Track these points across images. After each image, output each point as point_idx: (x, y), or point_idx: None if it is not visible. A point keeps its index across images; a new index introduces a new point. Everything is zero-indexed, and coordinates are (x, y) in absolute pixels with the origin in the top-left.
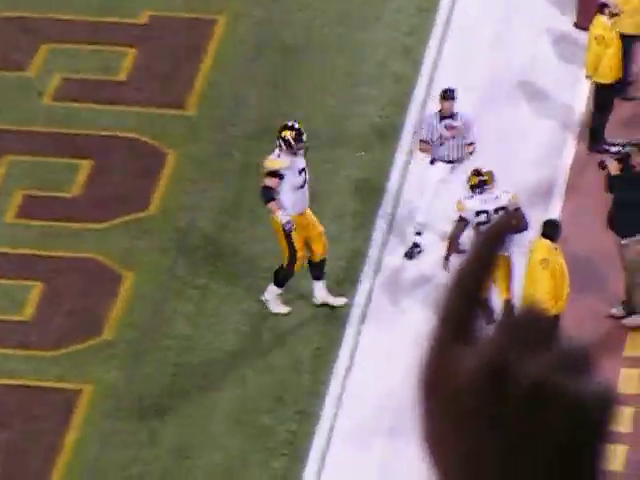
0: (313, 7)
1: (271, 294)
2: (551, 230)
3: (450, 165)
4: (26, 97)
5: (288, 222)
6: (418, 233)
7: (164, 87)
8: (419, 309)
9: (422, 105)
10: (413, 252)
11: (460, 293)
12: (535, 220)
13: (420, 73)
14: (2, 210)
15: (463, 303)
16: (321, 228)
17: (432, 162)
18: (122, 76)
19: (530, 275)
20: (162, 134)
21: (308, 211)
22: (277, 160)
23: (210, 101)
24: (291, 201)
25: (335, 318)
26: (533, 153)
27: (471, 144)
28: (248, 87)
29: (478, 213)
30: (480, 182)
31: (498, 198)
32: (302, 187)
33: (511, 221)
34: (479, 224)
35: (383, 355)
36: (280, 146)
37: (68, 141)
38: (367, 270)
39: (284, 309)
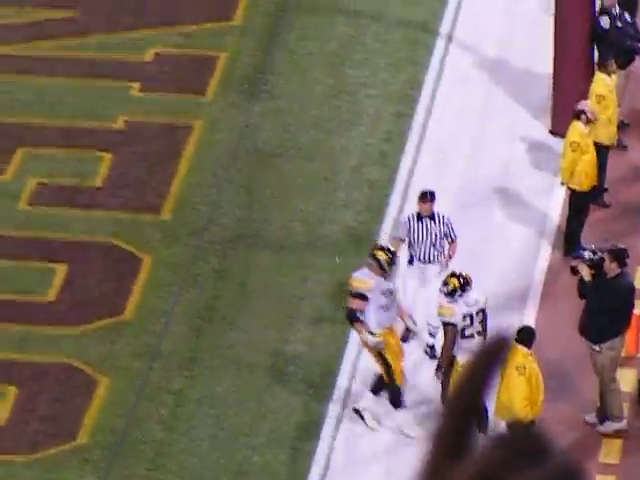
0: (289, 112)
1: (366, 403)
2: (526, 336)
3: (424, 265)
4: (2, 201)
5: (379, 343)
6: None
7: (140, 192)
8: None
9: (398, 211)
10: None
11: (457, 411)
12: (509, 326)
13: (396, 179)
14: None
15: (459, 421)
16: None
17: (410, 261)
18: (98, 181)
19: (506, 381)
20: (137, 239)
21: (394, 327)
22: (364, 280)
23: (185, 206)
24: (376, 320)
25: (311, 421)
26: (508, 259)
27: (452, 241)
28: (223, 192)
29: (464, 317)
30: (462, 284)
31: (477, 301)
32: (388, 309)
33: (507, 342)
34: (463, 329)
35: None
36: (370, 265)
37: (44, 245)
38: (342, 376)
39: (375, 425)
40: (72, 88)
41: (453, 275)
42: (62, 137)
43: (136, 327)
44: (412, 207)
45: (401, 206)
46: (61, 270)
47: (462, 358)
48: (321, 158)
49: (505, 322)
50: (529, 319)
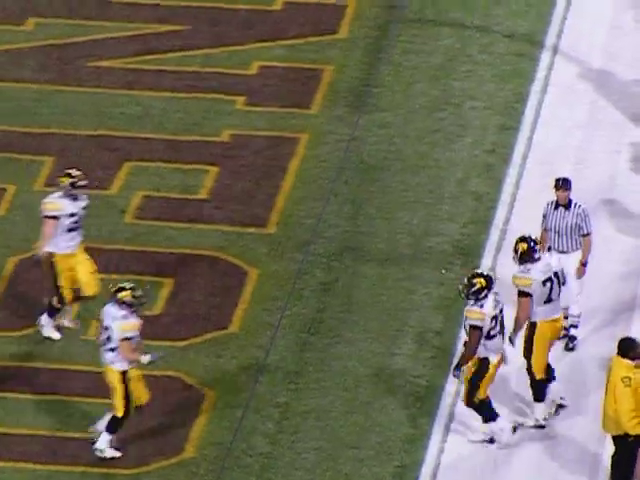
0: (394, 125)
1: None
2: (628, 348)
3: (559, 255)
4: (109, 215)
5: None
6: (574, 326)
7: (245, 205)
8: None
9: (504, 223)
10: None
11: None
12: (613, 336)
13: (501, 191)
14: (85, 328)
15: None
16: None
17: (549, 249)
18: (203, 194)
19: (611, 394)
20: (244, 252)
21: None
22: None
23: (291, 219)
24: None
25: (419, 433)
26: (613, 269)
27: (588, 235)
28: (329, 205)
29: (491, 319)
30: (488, 284)
31: (498, 302)
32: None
33: None
34: (489, 330)
35: (465, 469)
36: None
37: (150, 259)
38: (448, 389)
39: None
40: (177, 102)
41: (478, 275)
42: (168, 151)
43: (242, 340)
44: (518, 219)
45: (507, 218)
46: (167, 284)
47: (493, 358)
48: (426, 170)
49: (609, 333)
50: (634, 330)
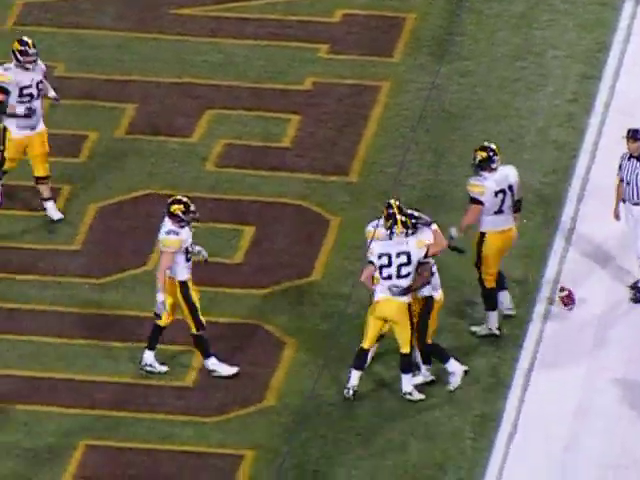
0: (476, 73)
1: None
2: None
3: (631, 206)
4: (190, 163)
5: None
6: None
7: (327, 154)
8: (582, 380)
9: (585, 172)
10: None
11: None
12: None
13: (583, 140)
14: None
15: None
16: None
17: (623, 201)
18: (285, 142)
19: None
20: (325, 201)
21: None
22: None
23: (373, 168)
24: None
25: (497, 385)
26: None
27: None
28: (410, 154)
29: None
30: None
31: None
32: None
33: None
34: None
35: (544, 423)
36: None
37: (231, 207)
38: (530, 336)
39: None
40: (260, 50)
41: None
42: (250, 99)
43: (323, 288)
44: (600, 169)
45: (588, 167)
46: (249, 232)
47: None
48: (507, 119)
49: None
50: None
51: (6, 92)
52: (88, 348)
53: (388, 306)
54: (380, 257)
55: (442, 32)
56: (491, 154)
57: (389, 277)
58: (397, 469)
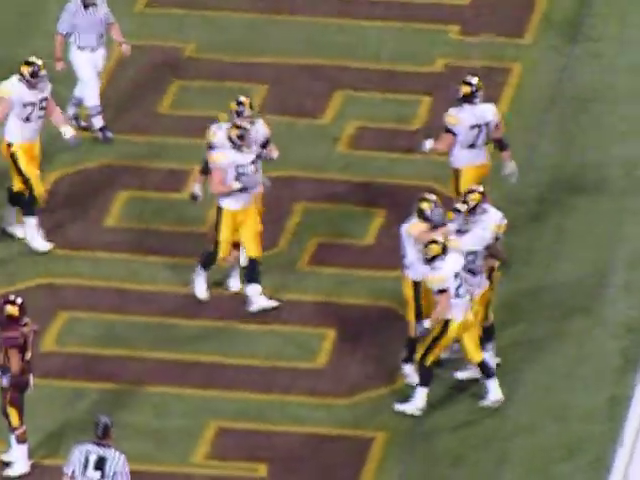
0: (607, 55)
1: None
2: None
3: None
4: (321, 144)
5: None
6: None
7: None
8: None
9: None
10: None
11: None
12: None
13: None
14: (295, 259)
15: None
16: None
17: None
18: (417, 124)
19: None
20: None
21: None
22: None
23: None
24: None
25: (627, 367)
26: None
27: None
28: (541, 136)
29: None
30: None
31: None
32: None
33: None
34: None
35: None
36: None
37: (362, 189)
38: None
39: None
40: (390, 31)
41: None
42: (382, 80)
43: None
44: None
45: None
46: (379, 214)
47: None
48: (637, 102)
49: None
50: None
51: None
52: (217, 330)
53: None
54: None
55: (574, 13)
56: (474, 89)
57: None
58: (526, 451)
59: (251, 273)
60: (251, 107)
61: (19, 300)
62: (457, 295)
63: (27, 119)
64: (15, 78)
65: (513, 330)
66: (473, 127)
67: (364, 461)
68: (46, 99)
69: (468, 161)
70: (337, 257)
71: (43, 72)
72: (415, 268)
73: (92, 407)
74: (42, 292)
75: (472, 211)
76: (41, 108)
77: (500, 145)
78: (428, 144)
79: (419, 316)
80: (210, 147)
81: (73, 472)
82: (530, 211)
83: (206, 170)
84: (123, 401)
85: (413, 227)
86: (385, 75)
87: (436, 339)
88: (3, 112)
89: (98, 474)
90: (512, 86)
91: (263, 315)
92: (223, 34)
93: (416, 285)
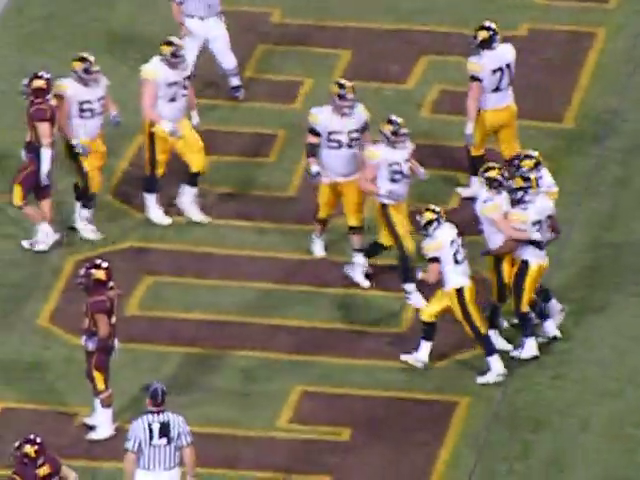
0: None
1: None
2: None
3: None
4: (405, 109)
5: None
6: None
7: (542, 100)
8: None
9: None
10: None
11: None
12: None
13: None
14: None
15: None
16: None
17: None
18: None
19: None
20: (540, 147)
21: None
22: None
23: (587, 114)
24: None
25: None
26: None
27: None
28: (625, 100)
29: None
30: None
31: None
32: None
33: None
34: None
35: None
36: None
37: (446, 154)
38: None
39: None
40: None
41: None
42: (465, 45)
43: None
44: None
45: None
46: (464, 178)
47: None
48: None
49: None
50: None
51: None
52: (304, 295)
53: None
54: None
55: None
56: (492, 33)
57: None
58: (611, 415)
59: (371, 249)
60: (353, 90)
61: (105, 264)
62: (456, 262)
63: (172, 99)
64: (156, 59)
65: (594, 295)
66: (495, 71)
67: (447, 426)
68: (189, 78)
69: (494, 104)
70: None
71: (183, 51)
72: (493, 240)
73: (177, 371)
74: (127, 256)
75: (527, 179)
76: (184, 87)
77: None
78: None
79: (502, 294)
80: (311, 130)
81: (139, 445)
82: (614, 176)
83: (313, 152)
84: (208, 365)
85: (489, 210)
86: (469, 40)
87: (518, 283)
88: (151, 95)
89: (164, 440)
90: (596, 51)
91: (348, 280)
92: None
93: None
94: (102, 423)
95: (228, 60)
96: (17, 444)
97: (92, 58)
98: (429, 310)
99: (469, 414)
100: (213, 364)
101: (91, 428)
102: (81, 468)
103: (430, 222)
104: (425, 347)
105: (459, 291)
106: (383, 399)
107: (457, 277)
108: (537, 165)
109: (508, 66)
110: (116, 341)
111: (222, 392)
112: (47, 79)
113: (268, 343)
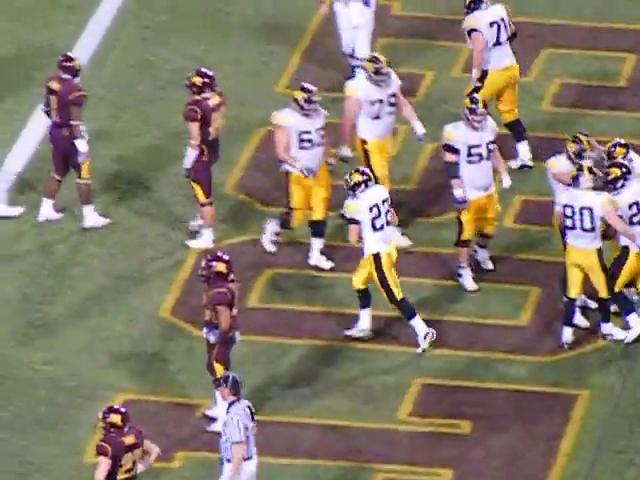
0: None
1: None
2: None
3: None
4: (526, 102)
5: None
6: None
7: None
8: None
9: None
10: None
11: None
12: None
13: None
14: (503, 215)
15: None
16: None
17: None
18: (621, 82)
19: None
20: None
21: None
22: None
23: None
24: None
25: None
26: None
27: None
28: None
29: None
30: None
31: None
32: None
33: None
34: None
35: None
36: None
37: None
38: None
39: None
40: None
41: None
42: (587, 38)
43: None
44: None
45: None
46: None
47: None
48: None
49: None
50: None
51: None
52: (437, 288)
53: (579, 254)
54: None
55: None
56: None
57: (573, 227)
58: None
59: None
60: (484, 106)
61: (226, 257)
62: (374, 228)
63: (376, 117)
64: (361, 77)
65: None
66: (492, 24)
67: (567, 419)
68: (394, 95)
69: (496, 63)
70: (541, 215)
71: (386, 69)
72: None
73: (297, 363)
74: (248, 249)
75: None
76: (390, 104)
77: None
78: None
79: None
80: (449, 148)
81: (246, 433)
82: None
83: (456, 173)
84: (328, 358)
85: (553, 163)
86: (590, 33)
87: (616, 265)
88: (354, 111)
89: (253, 422)
90: None
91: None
92: None
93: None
94: (223, 415)
95: (362, 50)
96: (103, 413)
97: (314, 88)
98: (357, 278)
99: (589, 406)
100: (333, 356)
101: (212, 420)
102: (201, 460)
103: (358, 184)
104: (364, 315)
105: (375, 257)
106: (503, 392)
107: (374, 244)
108: (628, 150)
109: (503, 20)
110: (237, 333)
111: (342, 384)
112: (210, 76)
113: (388, 336)
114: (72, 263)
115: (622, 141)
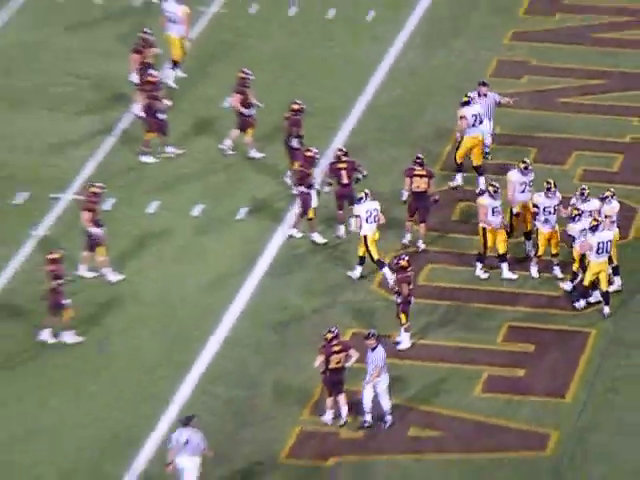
0: None
1: None
2: None
3: None
4: None
5: None
6: None
7: None
8: None
9: None
10: None
11: None
12: None
13: None
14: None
15: None
16: None
17: None
18: None
19: None
20: None
21: None
22: None
23: None
24: None
25: None
26: None
27: None
28: None
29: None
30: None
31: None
32: None
33: None
34: None
35: None
36: None
37: None
38: None
39: None
40: None
41: None
42: None
43: None
44: None
45: None
46: None
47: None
48: None
49: None
50: None
51: None
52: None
53: None
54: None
55: None
56: None
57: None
58: None
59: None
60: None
61: (406, 257)
62: (367, 221)
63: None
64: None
65: None
66: None
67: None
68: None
69: None
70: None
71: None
72: None
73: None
74: (417, 254)
75: None
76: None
77: None
78: None
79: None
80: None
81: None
82: None
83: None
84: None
85: None
86: None
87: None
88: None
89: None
90: None
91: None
92: None
93: None
94: (405, 339)
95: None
96: (326, 332)
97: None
98: (360, 249)
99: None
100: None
101: (397, 343)
102: None
103: (360, 198)
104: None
105: (365, 237)
106: None
107: (367, 230)
108: None
109: None
110: (412, 298)
111: (414, 372)
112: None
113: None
114: None
115: None
